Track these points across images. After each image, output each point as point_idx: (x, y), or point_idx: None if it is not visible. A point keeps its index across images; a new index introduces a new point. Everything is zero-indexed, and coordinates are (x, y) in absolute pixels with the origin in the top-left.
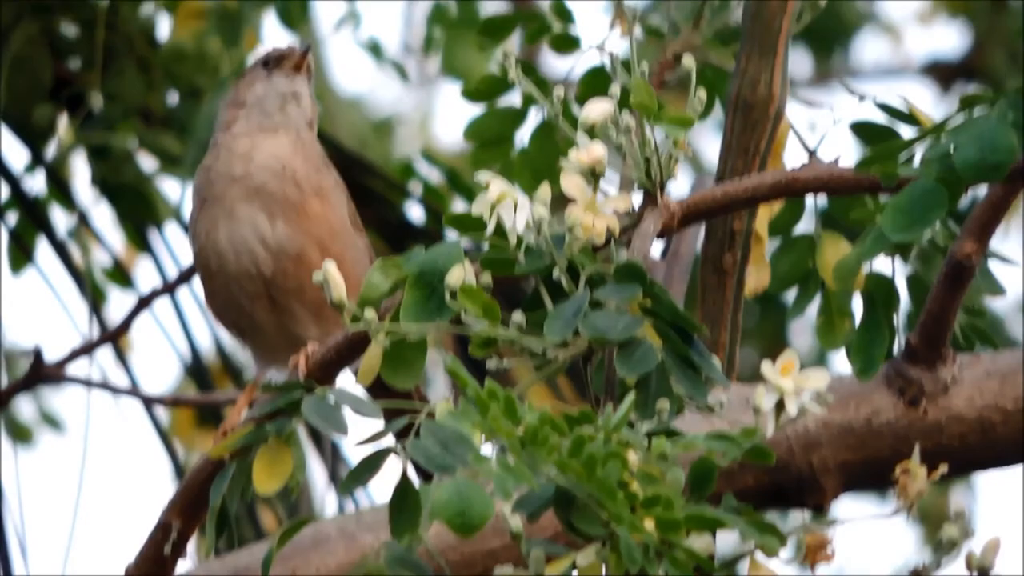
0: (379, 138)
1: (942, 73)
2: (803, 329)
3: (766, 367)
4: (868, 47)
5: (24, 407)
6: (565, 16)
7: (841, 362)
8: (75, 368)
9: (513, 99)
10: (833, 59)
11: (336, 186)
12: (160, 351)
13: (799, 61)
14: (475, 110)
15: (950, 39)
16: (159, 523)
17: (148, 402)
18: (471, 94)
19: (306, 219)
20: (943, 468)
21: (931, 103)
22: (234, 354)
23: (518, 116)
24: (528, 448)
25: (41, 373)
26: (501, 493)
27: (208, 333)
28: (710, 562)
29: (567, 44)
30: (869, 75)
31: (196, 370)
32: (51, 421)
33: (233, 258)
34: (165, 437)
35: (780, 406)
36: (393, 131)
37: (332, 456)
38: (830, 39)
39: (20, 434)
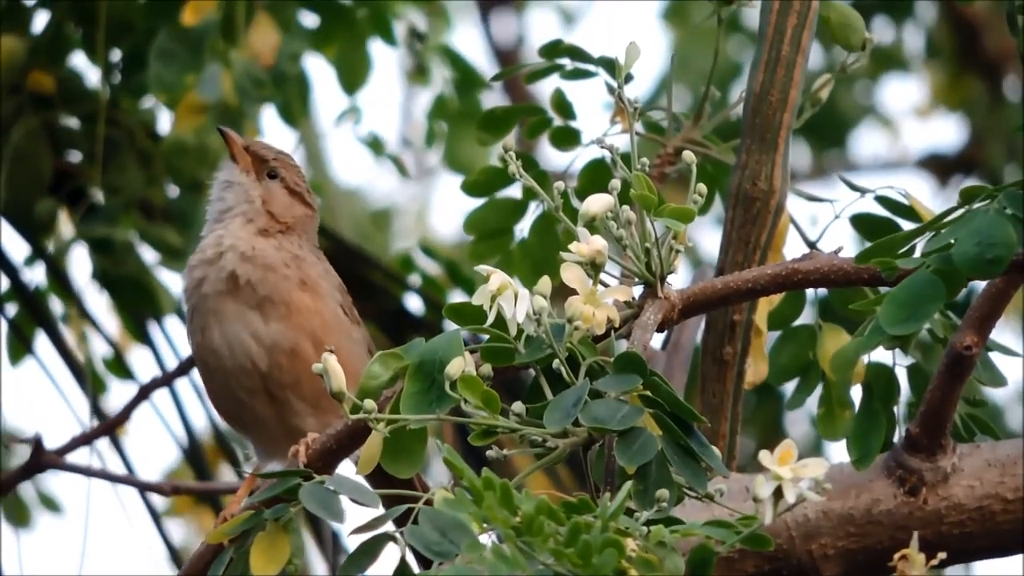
0: (377, 229)
1: (940, 167)
2: (800, 418)
3: (764, 456)
4: (866, 141)
5: (24, 490)
6: (565, 111)
7: (839, 451)
8: (75, 456)
9: (513, 191)
10: (831, 153)
11: (326, 275)
12: (157, 434)
13: (798, 154)
14: (473, 202)
15: (948, 133)
16: None
17: (147, 490)
18: (471, 188)
19: (295, 312)
20: (942, 556)
21: (929, 196)
22: (230, 437)
23: (518, 208)
24: (524, 536)
25: (42, 461)
26: None
27: (204, 416)
28: None
29: (567, 139)
30: (867, 168)
31: (193, 456)
32: (50, 504)
33: (228, 355)
34: (161, 525)
35: (779, 494)
36: (391, 222)
37: (332, 544)
38: (829, 133)
39: (19, 517)
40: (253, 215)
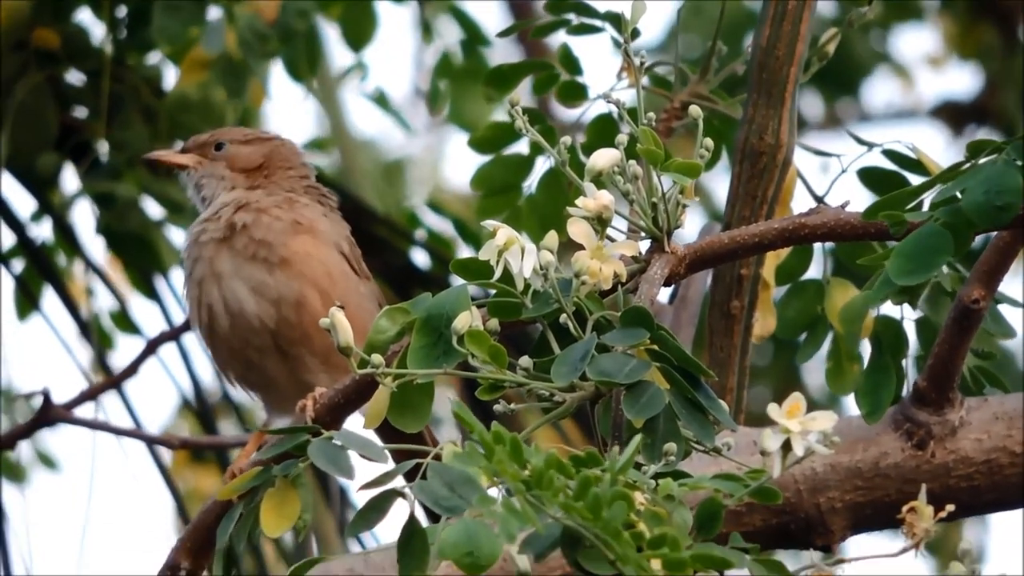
0: (391, 181)
1: (954, 115)
2: (816, 367)
3: (773, 409)
4: (880, 90)
5: (23, 448)
6: (572, 67)
7: (851, 404)
8: (81, 411)
9: (521, 147)
10: (844, 101)
11: (325, 219)
12: (160, 385)
13: (810, 104)
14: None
15: (962, 82)
16: (167, 563)
17: (154, 443)
18: (478, 144)
19: (294, 258)
20: (950, 508)
21: (943, 146)
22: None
23: (525, 164)
24: (534, 490)
25: (49, 415)
26: (505, 535)
27: (210, 370)
28: None
29: (574, 94)
30: (880, 118)
31: (200, 410)
32: (47, 462)
33: (232, 316)
34: (169, 477)
35: (787, 448)
36: (404, 173)
37: (340, 500)
38: (842, 82)
39: (16, 474)
40: (230, 181)
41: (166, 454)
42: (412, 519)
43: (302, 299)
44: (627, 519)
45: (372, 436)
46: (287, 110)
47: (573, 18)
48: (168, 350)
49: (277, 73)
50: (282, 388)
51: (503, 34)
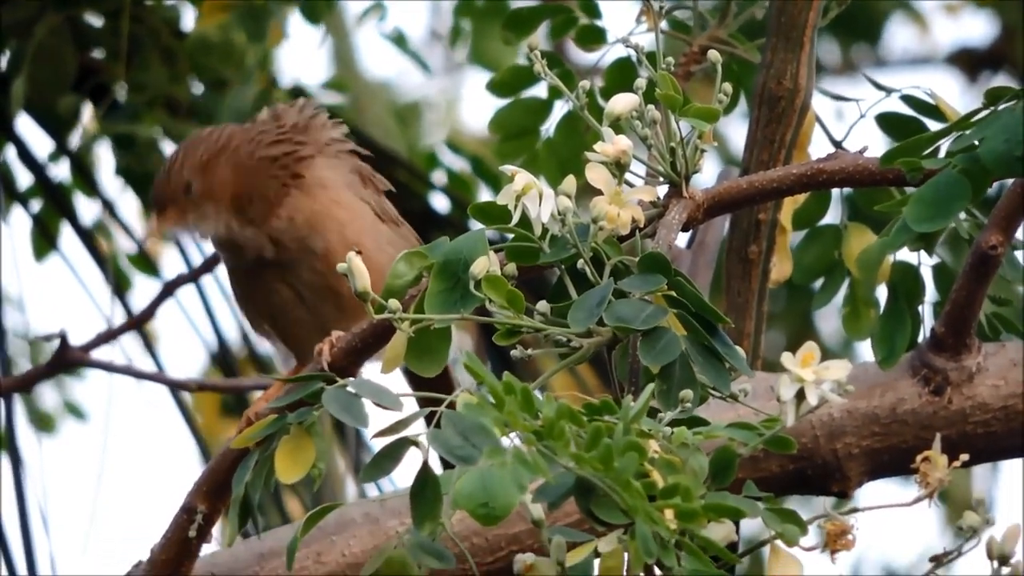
0: (407, 123)
1: (969, 62)
2: (830, 314)
3: (787, 358)
4: (896, 36)
5: (47, 396)
6: (591, 11)
7: (867, 349)
8: (100, 354)
9: (539, 90)
10: (861, 47)
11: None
12: (185, 339)
13: (827, 50)
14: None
15: (977, 28)
16: (184, 506)
17: (173, 387)
18: (496, 87)
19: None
20: (964, 457)
21: (958, 93)
22: (259, 342)
23: (543, 108)
24: (545, 440)
25: (67, 357)
26: (515, 486)
27: (234, 320)
28: (728, 552)
29: (593, 38)
30: (897, 64)
31: (222, 357)
32: (74, 410)
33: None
34: (192, 421)
35: (801, 396)
36: (421, 116)
37: (356, 445)
38: (858, 28)
39: (43, 423)
40: (222, 222)
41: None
42: (425, 467)
43: (327, 248)
44: (639, 469)
45: (391, 382)
46: (302, 51)
47: None
48: (189, 299)
49: (292, 13)
50: (306, 335)
51: None
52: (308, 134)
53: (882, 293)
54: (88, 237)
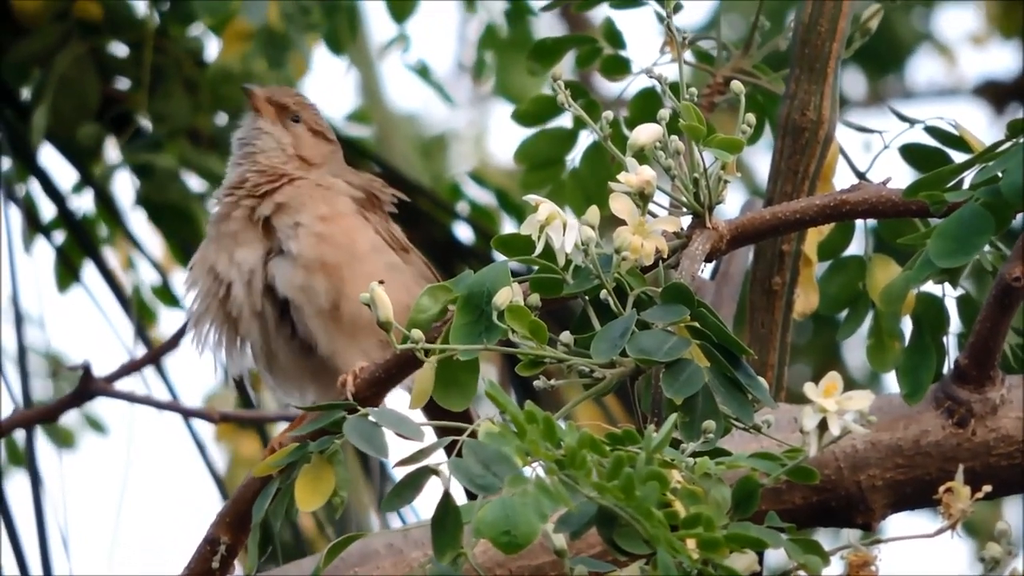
0: (433, 155)
1: (996, 94)
2: (856, 345)
3: (809, 388)
4: (922, 68)
5: (69, 414)
6: (615, 40)
7: (894, 381)
8: (122, 384)
9: (564, 120)
10: (888, 79)
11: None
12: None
13: (853, 81)
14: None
15: (1003, 60)
16: (207, 537)
17: (194, 416)
18: (522, 118)
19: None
20: (987, 488)
21: (985, 125)
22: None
23: (568, 138)
24: (567, 469)
25: (90, 388)
26: (537, 515)
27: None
28: None
29: (617, 68)
30: (923, 96)
31: (240, 384)
32: (95, 425)
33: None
34: (205, 453)
35: (824, 426)
36: (447, 147)
37: (380, 475)
38: (885, 59)
39: (64, 438)
40: (285, 160)
41: (206, 428)
42: (447, 496)
43: (328, 266)
44: (661, 499)
45: (412, 414)
46: (327, 83)
47: None
48: None
49: (317, 46)
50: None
51: (548, 7)
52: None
53: (907, 324)
54: (109, 269)
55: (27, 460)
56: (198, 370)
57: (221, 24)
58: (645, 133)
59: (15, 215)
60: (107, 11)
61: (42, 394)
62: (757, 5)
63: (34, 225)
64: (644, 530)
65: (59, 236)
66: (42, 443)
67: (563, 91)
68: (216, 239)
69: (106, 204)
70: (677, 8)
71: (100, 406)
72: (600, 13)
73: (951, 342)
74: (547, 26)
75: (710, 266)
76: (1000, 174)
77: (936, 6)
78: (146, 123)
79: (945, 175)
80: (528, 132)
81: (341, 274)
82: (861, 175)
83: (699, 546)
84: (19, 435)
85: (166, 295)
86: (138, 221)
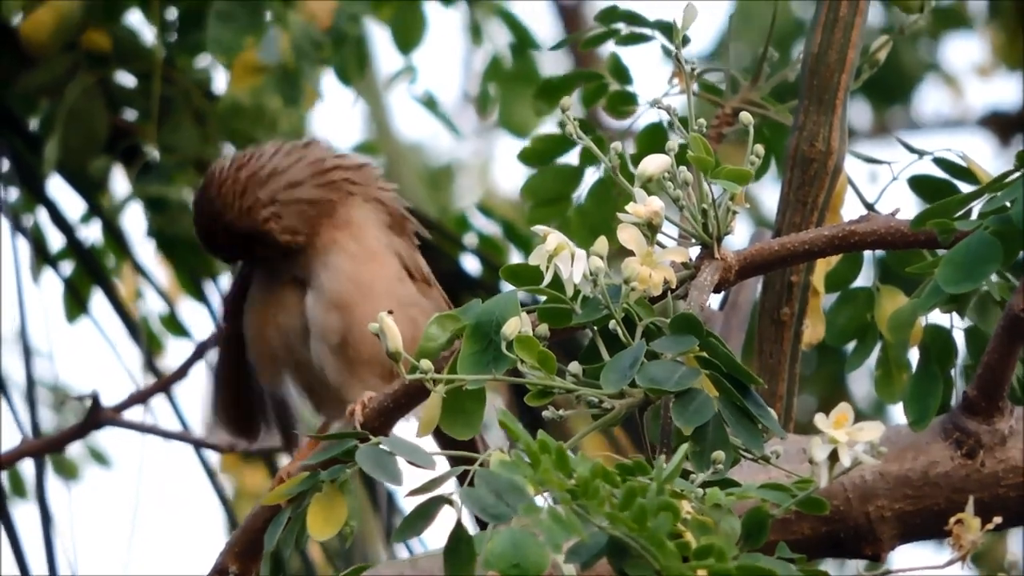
0: (439, 185)
1: (1001, 125)
2: (862, 376)
3: (820, 419)
4: (929, 99)
5: (73, 446)
6: (622, 76)
7: (900, 413)
8: (130, 414)
9: (571, 158)
10: (894, 110)
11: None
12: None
13: (859, 113)
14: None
15: (1009, 91)
16: (216, 568)
17: (203, 447)
18: (527, 157)
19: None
20: (997, 520)
21: (991, 156)
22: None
23: (575, 175)
24: (580, 499)
25: (98, 418)
26: (551, 545)
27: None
28: None
29: (624, 103)
30: (929, 127)
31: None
32: (99, 458)
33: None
34: (216, 481)
35: (834, 457)
36: (453, 178)
37: (387, 506)
38: (891, 90)
39: (68, 471)
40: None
41: (214, 458)
42: (459, 526)
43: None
44: (673, 529)
45: (422, 442)
46: (335, 114)
47: (623, 28)
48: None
49: (325, 76)
50: (334, 391)
51: (555, 47)
52: (360, 174)
53: (914, 356)
54: (118, 299)
55: (37, 492)
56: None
57: (231, 59)
58: (654, 164)
59: (23, 246)
60: (115, 41)
61: (51, 427)
62: (764, 35)
63: (42, 256)
64: (656, 561)
65: (67, 267)
66: (50, 476)
67: (571, 122)
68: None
69: (114, 235)
70: (686, 41)
71: (105, 438)
72: (606, 47)
73: (958, 374)
74: (553, 58)
75: (719, 296)
76: (1008, 204)
77: (942, 36)
78: (155, 154)
79: (953, 205)
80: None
81: (353, 311)
82: (870, 206)
83: None
84: (28, 469)
85: (174, 325)
86: (146, 251)
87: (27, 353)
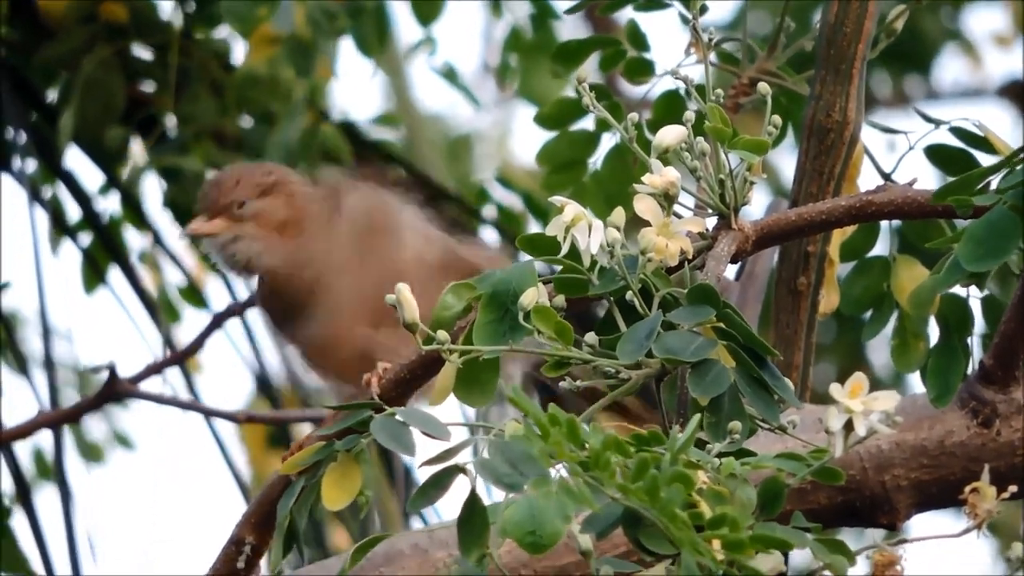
0: (458, 156)
1: (1020, 95)
2: (881, 345)
3: (835, 389)
4: (948, 68)
5: (95, 427)
6: (640, 43)
7: (918, 381)
8: (148, 385)
9: (587, 123)
10: (912, 80)
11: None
12: (230, 372)
13: (878, 82)
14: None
15: None
16: (232, 538)
17: (221, 417)
18: (544, 121)
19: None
20: (1013, 488)
21: (1010, 125)
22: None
23: (591, 140)
24: (592, 471)
25: (115, 389)
26: (561, 517)
27: (278, 354)
28: None
29: (641, 71)
30: (948, 97)
31: (267, 389)
32: (122, 440)
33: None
34: (227, 453)
35: (849, 427)
36: (472, 149)
37: (404, 477)
38: (910, 60)
39: (92, 453)
40: (265, 243)
41: (230, 432)
42: (473, 494)
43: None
44: (686, 500)
45: (436, 412)
46: (354, 86)
47: None
48: (236, 329)
49: (344, 47)
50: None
51: (572, 10)
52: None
53: (931, 325)
54: (135, 271)
55: (55, 466)
56: (223, 372)
57: (247, 27)
58: (671, 134)
59: (41, 217)
60: (132, 13)
61: (69, 402)
62: (782, 4)
63: (60, 227)
64: (669, 531)
65: (85, 238)
66: (71, 454)
67: (588, 93)
68: None
69: (132, 207)
70: (703, 10)
71: (130, 415)
72: (624, 14)
73: (975, 343)
74: (571, 27)
75: (735, 267)
76: None
77: (963, 5)
78: (171, 125)
79: (973, 179)
80: (549, 135)
81: None
82: (887, 176)
83: (724, 547)
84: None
85: (193, 297)
86: (165, 223)
87: (45, 328)
